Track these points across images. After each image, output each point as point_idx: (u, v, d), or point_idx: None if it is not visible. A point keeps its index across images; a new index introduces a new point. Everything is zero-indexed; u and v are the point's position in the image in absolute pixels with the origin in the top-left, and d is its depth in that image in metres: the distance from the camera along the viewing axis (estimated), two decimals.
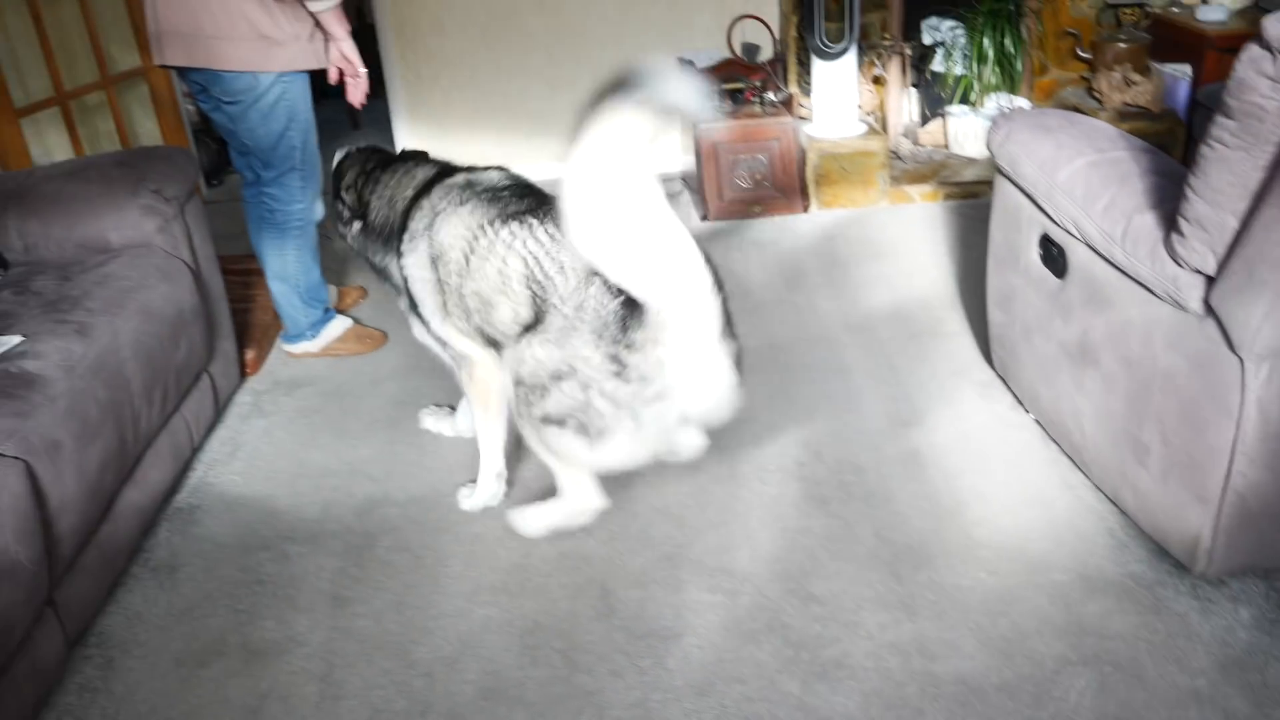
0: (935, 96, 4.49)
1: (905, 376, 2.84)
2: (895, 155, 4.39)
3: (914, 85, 4.48)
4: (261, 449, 2.70)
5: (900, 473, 2.43)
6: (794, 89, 4.39)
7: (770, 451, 2.54)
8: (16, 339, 2.10)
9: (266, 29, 2.62)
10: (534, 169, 4.72)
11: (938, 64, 4.40)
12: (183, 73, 2.77)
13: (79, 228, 2.53)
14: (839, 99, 4.13)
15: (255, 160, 2.87)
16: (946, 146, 4.46)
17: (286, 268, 3.00)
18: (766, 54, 4.56)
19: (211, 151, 4.84)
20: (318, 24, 2.72)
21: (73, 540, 1.94)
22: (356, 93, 2.92)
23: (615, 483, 2.45)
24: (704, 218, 4.10)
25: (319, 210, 3.05)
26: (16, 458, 1.79)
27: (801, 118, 4.30)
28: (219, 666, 1.99)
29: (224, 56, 2.62)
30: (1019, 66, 4.24)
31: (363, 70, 2.87)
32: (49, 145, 3.88)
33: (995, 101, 4.28)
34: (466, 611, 2.09)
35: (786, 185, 4.12)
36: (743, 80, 4.36)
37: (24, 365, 2.00)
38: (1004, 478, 2.37)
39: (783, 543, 2.22)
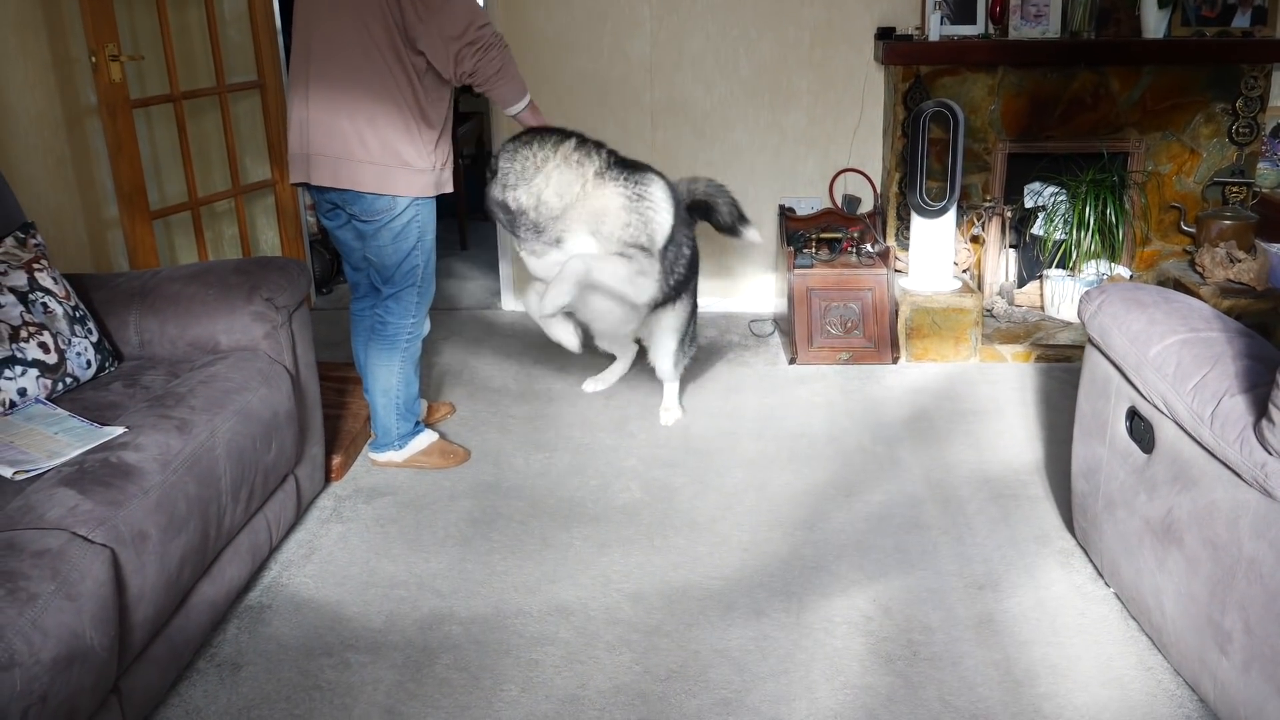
0: (1033, 259, 4.51)
1: (983, 538, 2.79)
2: (989, 314, 4.40)
3: (1013, 246, 4.51)
4: (336, 554, 2.77)
5: (971, 636, 2.36)
6: (892, 242, 4.46)
7: (838, 603, 2.51)
8: (120, 430, 2.22)
9: (410, 158, 2.83)
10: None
11: (1038, 227, 4.43)
12: (318, 190, 2.95)
13: (193, 328, 2.69)
14: (936, 255, 4.18)
15: (375, 275, 3.03)
16: (1042, 309, 4.45)
17: (391, 380, 3.13)
18: (867, 206, 4.65)
19: (325, 261, 5.11)
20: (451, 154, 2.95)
21: (145, 630, 2.01)
22: None
23: (677, 620, 2.44)
24: (792, 361, 4.14)
25: (428, 327, 3.20)
26: (104, 545, 1.88)
27: (898, 270, 4.35)
28: None
29: (369, 180, 2.81)
30: (1120, 235, 4.24)
31: None
32: (177, 246, 4.15)
33: (1094, 268, 4.27)
34: None
35: (878, 335, 4.14)
36: (841, 230, 4.45)
37: (123, 456, 2.11)
38: (1079, 652, 2.29)
39: (843, 699, 2.17)
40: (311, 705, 2.19)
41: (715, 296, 4.86)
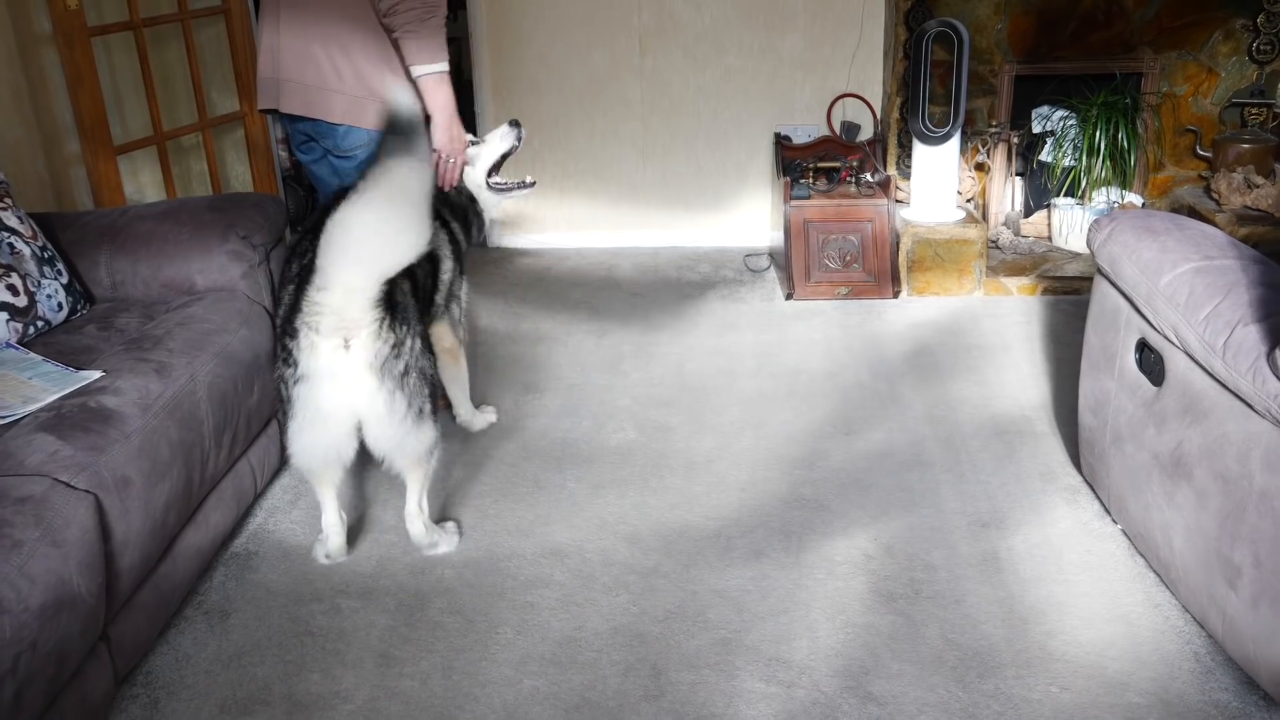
0: (1041, 187, 4.52)
1: (987, 475, 2.85)
2: (994, 245, 4.42)
3: (1019, 174, 4.52)
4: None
5: (974, 574, 2.43)
6: (892, 171, 4.46)
7: (839, 542, 2.57)
8: (97, 374, 2.25)
9: (383, 89, 2.80)
10: (621, 235, 4.89)
11: (1046, 154, 4.44)
12: (290, 121, 2.94)
13: (166, 268, 2.70)
14: (939, 184, 4.19)
15: None
16: (1049, 239, 4.48)
17: None
18: (867, 134, 4.65)
19: (299, 198, 5.10)
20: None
21: (132, 577, 2.06)
22: (449, 174, 2.93)
23: (674, 561, 2.50)
24: (789, 296, 4.16)
25: None
26: (87, 491, 1.92)
27: (899, 201, 4.37)
28: (262, 716, 2.07)
29: (340, 110, 2.80)
30: (1132, 161, 4.25)
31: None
32: (142, 183, 4.13)
33: (1105, 196, 4.29)
34: (514, 681, 2.14)
35: (878, 269, 4.17)
36: (839, 159, 4.45)
37: (102, 400, 2.14)
38: (1085, 589, 2.36)
39: (844, 637, 2.24)
40: (303, 651, 2.25)
41: (708, 230, 4.88)
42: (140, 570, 2.09)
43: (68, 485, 1.90)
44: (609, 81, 4.69)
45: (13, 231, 2.50)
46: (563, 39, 4.64)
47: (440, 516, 2.70)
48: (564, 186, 4.85)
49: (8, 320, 2.41)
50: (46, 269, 2.54)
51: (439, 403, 2.51)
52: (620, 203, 4.87)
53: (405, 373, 2.28)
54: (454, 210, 2.93)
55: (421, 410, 2.35)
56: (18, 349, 2.38)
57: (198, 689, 2.15)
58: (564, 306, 4.15)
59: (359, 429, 2.32)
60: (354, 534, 2.66)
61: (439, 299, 2.81)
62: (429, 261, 2.65)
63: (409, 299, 2.37)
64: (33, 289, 2.48)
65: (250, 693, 2.13)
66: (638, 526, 2.66)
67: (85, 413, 2.08)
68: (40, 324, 2.49)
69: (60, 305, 2.55)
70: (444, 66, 2.79)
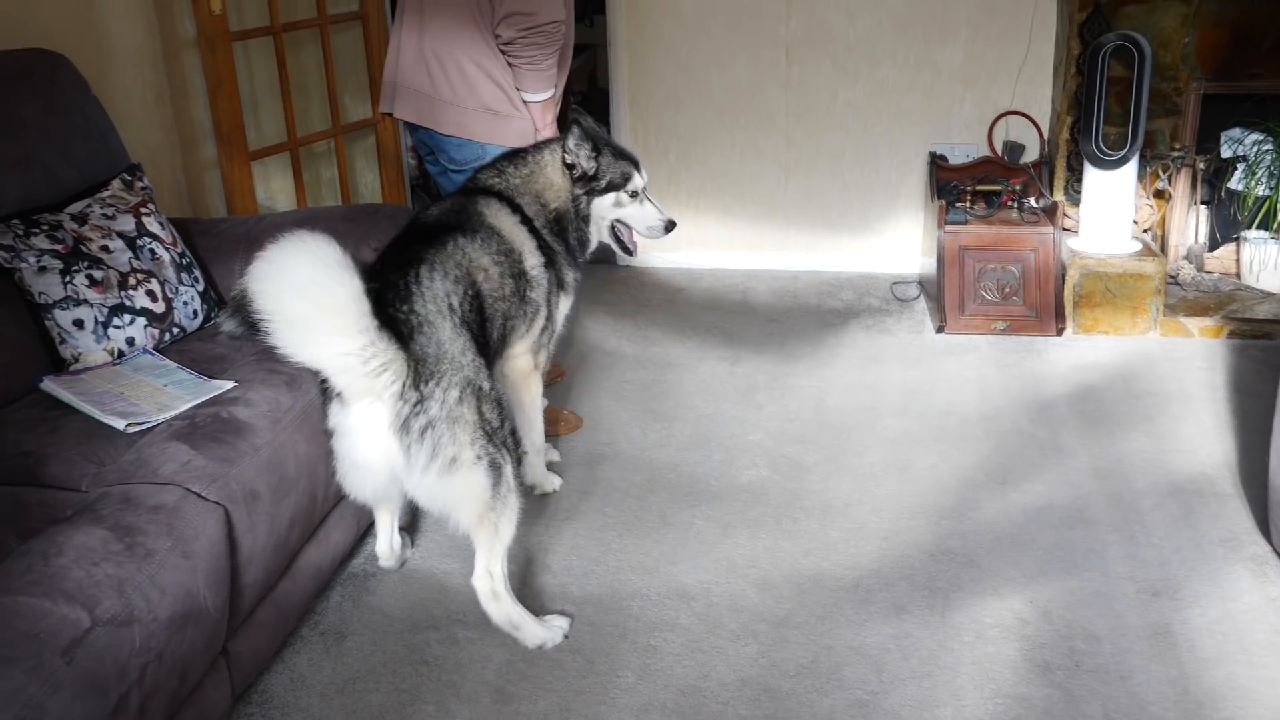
0: (1229, 218, 4.37)
1: (1160, 538, 2.77)
2: (1173, 281, 4.30)
3: (1204, 203, 4.38)
4: (442, 523, 2.90)
5: (1143, 648, 2.37)
6: (1060, 196, 4.38)
7: (990, 603, 2.53)
8: (229, 384, 2.38)
9: (493, 101, 2.94)
10: (758, 257, 4.91)
11: (1236, 181, 4.30)
12: (413, 130, 3.10)
13: None
14: (1112, 212, 4.10)
15: None
16: (1237, 276, 4.33)
17: None
18: (1032, 155, 4.58)
19: (426, 208, 5.27)
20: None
21: (254, 592, 2.17)
22: None
23: (808, 611, 2.50)
24: (940, 329, 4.12)
25: None
26: (217, 503, 2.04)
27: (1066, 229, 4.29)
28: None
29: (451, 122, 2.93)
30: None
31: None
32: (274, 189, 4.34)
33: None
34: None
35: (1040, 303, 4.10)
36: (1001, 182, 4.40)
37: (234, 411, 2.26)
38: (1272, 673, 2.28)
39: (994, 709, 2.21)
40: (418, 680, 2.32)
41: (853, 254, 4.86)
42: (262, 586, 2.20)
43: (199, 496, 2.01)
44: (752, 93, 4.73)
45: (154, 237, 2.67)
46: (704, 48, 4.69)
47: (557, 541, 2.76)
48: (699, 204, 4.90)
49: (145, 326, 2.57)
50: (184, 275, 2.70)
51: (506, 446, 2.37)
52: (759, 222, 4.89)
53: (429, 427, 2.20)
54: (556, 226, 2.81)
55: (455, 459, 2.23)
56: (154, 355, 2.53)
57: (312, 712, 2.24)
58: (696, 331, 4.18)
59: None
60: (472, 560, 2.73)
61: (520, 324, 2.71)
62: (512, 278, 2.61)
63: (448, 344, 2.27)
64: (170, 295, 2.64)
65: None
66: (769, 572, 2.67)
67: (218, 423, 2.21)
68: (176, 331, 2.65)
69: (196, 313, 2.71)
70: (552, 93, 3.08)
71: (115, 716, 1.67)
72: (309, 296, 2.01)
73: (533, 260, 2.69)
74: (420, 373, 2.19)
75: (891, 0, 4.51)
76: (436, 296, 2.31)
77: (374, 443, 2.22)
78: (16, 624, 1.62)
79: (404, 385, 2.17)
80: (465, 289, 2.41)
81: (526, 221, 2.69)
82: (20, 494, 2.07)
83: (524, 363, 2.81)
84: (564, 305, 2.89)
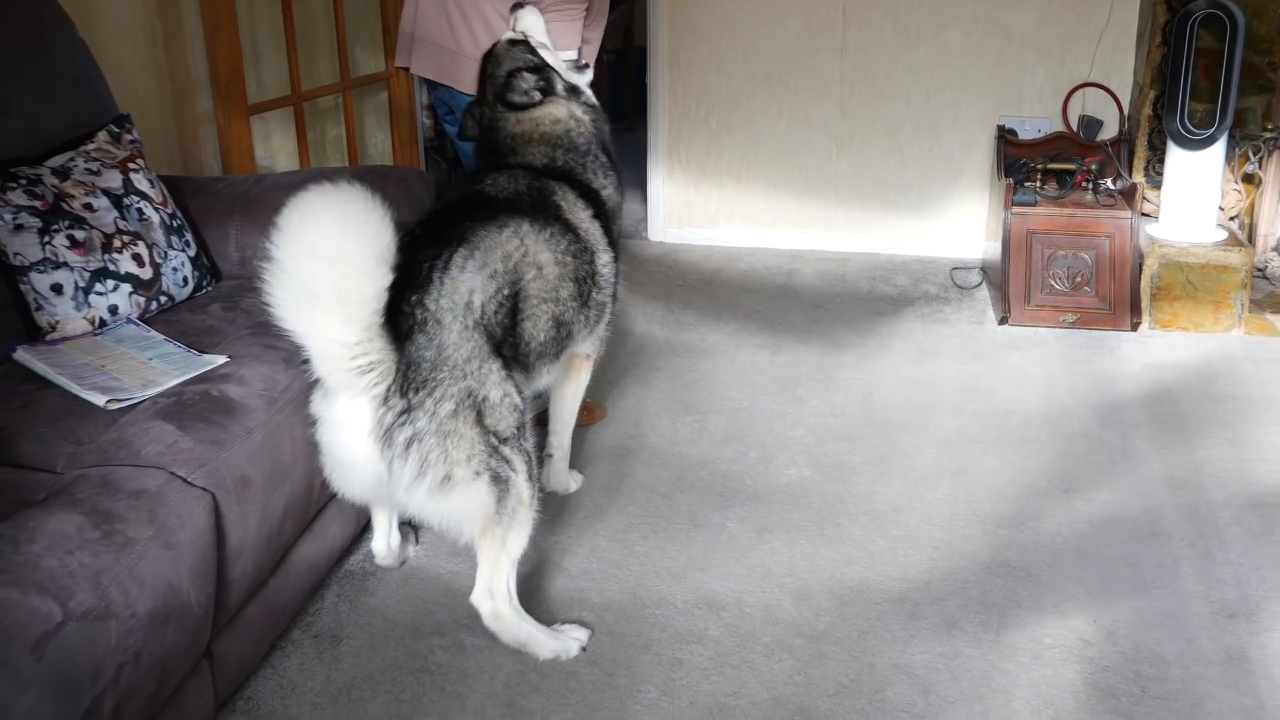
0: None
1: (1239, 555, 2.73)
2: (1260, 274, 4.27)
3: None
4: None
5: (1217, 675, 2.33)
6: (1139, 178, 4.34)
7: (1049, 621, 2.50)
8: (221, 359, 2.37)
9: None
10: (804, 236, 4.89)
11: None
12: (431, 87, 3.08)
13: None
14: (1197, 197, 4.07)
15: None
16: None
17: None
18: (1110, 132, 4.54)
19: (440, 171, 5.26)
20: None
21: (242, 588, 2.15)
22: None
23: (849, 625, 2.47)
24: (1003, 320, 4.08)
25: None
26: (205, 489, 2.02)
27: (1145, 214, 4.25)
28: None
29: (473, 80, 2.91)
30: None
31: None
32: (274, 147, 4.34)
33: None
34: None
35: (1114, 295, 4.06)
36: (1075, 160, 4.36)
37: (225, 389, 2.25)
38: None
39: None
40: (419, 690, 2.31)
41: (909, 235, 4.82)
42: (251, 582, 2.19)
43: (185, 481, 2.00)
44: (803, 57, 4.69)
45: (143, 196, 2.66)
46: (752, 4, 4.66)
47: (575, 542, 2.74)
48: (742, 175, 4.87)
49: (130, 293, 2.56)
50: (174, 239, 2.69)
51: (520, 452, 2.29)
52: (806, 198, 4.86)
53: (414, 440, 2.13)
54: (598, 169, 2.81)
55: (448, 478, 2.17)
56: (139, 326, 2.52)
57: None
58: (734, 316, 4.16)
59: None
60: None
61: (580, 329, 2.67)
62: (574, 281, 2.56)
63: (451, 348, 2.19)
64: (159, 260, 2.63)
65: None
66: (808, 581, 2.65)
67: (207, 402, 2.19)
68: (163, 299, 2.64)
69: (185, 280, 2.70)
70: (578, 51, 3.15)
71: None
72: (334, 272, 1.97)
73: (605, 258, 2.69)
74: (410, 378, 2.14)
75: None
76: (456, 290, 2.24)
77: (357, 442, 2.18)
78: None
79: (388, 389, 2.12)
80: (500, 286, 2.33)
81: (600, 216, 2.69)
82: None
83: (577, 349, 2.80)
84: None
